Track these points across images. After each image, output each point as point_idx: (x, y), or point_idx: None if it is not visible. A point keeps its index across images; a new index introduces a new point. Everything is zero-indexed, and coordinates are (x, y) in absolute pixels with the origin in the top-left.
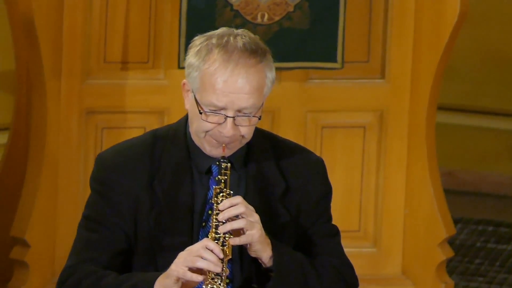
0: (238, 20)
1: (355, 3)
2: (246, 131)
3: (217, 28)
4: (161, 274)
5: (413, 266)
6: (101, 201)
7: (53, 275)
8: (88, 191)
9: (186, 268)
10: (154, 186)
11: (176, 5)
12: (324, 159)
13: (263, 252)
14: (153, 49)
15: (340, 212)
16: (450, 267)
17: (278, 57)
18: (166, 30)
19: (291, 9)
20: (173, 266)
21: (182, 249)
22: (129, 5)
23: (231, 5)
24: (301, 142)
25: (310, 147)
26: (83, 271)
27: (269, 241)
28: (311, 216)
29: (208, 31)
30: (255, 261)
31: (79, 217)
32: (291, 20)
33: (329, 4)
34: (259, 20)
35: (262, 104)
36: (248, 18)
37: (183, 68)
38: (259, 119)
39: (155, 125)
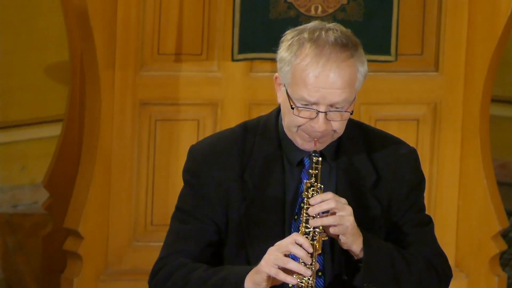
0: (292, 12)
1: None
2: (338, 126)
3: (270, 20)
4: (251, 268)
5: (466, 259)
6: (193, 193)
7: (106, 267)
8: (142, 183)
9: (277, 267)
10: (245, 178)
11: None
12: None
13: (354, 244)
14: (206, 41)
15: None
16: (503, 260)
17: None
18: (220, 22)
19: (344, 1)
20: (263, 263)
21: (273, 241)
22: None
23: None
24: None
25: None
26: (174, 263)
27: (360, 233)
28: (402, 207)
29: (262, 24)
30: (346, 252)
31: (132, 209)
32: (345, 13)
33: None
34: (312, 12)
35: (354, 98)
36: (302, 10)
37: (237, 60)
38: (351, 113)
39: (209, 117)
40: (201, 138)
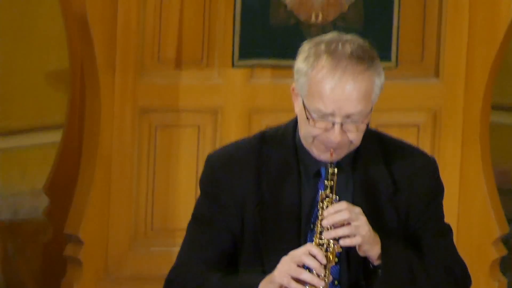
0: (292, 20)
1: (410, 1)
2: (354, 137)
3: (271, 27)
4: (264, 277)
5: (467, 264)
6: (209, 201)
7: (106, 272)
8: (142, 188)
9: (290, 277)
10: (262, 187)
11: (230, 5)
12: None
13: (372, 251)
14: (207, 48)
15: None
16: (504, 266)
17: None
18: (220, 29)
19: (345, 9)
20: (276, 273)
21: (289, 250)
22: (183, 3)
23: (285, 5)
24: None
25: None
26: (189, 272)
27: (378, 239)
28: (421, 218)
29: (262, 31)
30: (363, 259)
31: (132, 214)
32: (345, 21)
33: (383, 3)
34: (313, 20)
35: (371, 110)
36: (302, 18)
37: (237, 66)
38: (367, 125)
39: (209, 124)
40: (201, 144)
